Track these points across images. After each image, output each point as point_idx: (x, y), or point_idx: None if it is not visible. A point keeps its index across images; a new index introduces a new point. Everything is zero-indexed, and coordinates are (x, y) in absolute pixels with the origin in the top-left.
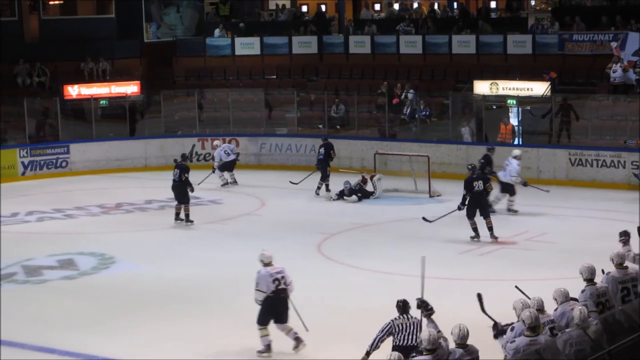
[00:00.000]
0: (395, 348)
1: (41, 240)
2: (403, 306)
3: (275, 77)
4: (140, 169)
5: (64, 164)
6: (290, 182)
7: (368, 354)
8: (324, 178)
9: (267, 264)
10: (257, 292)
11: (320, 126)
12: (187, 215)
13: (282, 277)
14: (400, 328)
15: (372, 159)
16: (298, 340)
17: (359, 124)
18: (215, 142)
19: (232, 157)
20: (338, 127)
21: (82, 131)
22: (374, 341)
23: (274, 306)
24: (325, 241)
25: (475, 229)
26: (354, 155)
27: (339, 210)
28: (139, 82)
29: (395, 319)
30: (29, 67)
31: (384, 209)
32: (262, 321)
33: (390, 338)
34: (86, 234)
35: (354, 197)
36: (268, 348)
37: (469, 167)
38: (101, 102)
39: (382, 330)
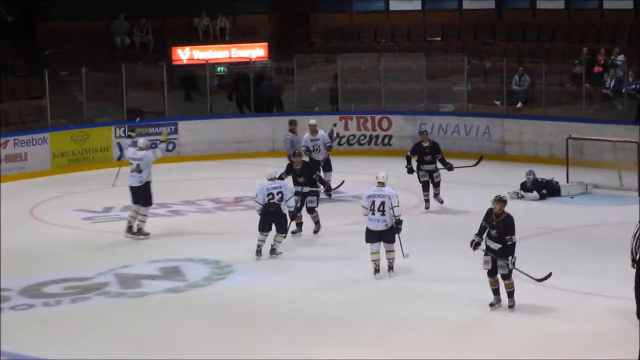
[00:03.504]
0: None
1: (140, 243)
2: None
3: (439, 39)
4: (267, 154)
5: (170, 146)
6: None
7: None
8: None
9: (270, 179)
10: (255, 203)
11: (497, 102)
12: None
13: (279, 192)
14: None
15: (563, 145)
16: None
17: (548, 99)
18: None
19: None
20: (520, 103)
21: (194, 106)
22: None
23: (267, 216)
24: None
25: None
26: (540, 141)
27: (518, 210)
28: (266, 44)
29: None
30: (129, 24)
31: (579, 209)
32: (260, 228)
33: None
34: (197, 235)
35: (534, 193)
36: (258, 252)
37: None
38: (218, 68)
39: None
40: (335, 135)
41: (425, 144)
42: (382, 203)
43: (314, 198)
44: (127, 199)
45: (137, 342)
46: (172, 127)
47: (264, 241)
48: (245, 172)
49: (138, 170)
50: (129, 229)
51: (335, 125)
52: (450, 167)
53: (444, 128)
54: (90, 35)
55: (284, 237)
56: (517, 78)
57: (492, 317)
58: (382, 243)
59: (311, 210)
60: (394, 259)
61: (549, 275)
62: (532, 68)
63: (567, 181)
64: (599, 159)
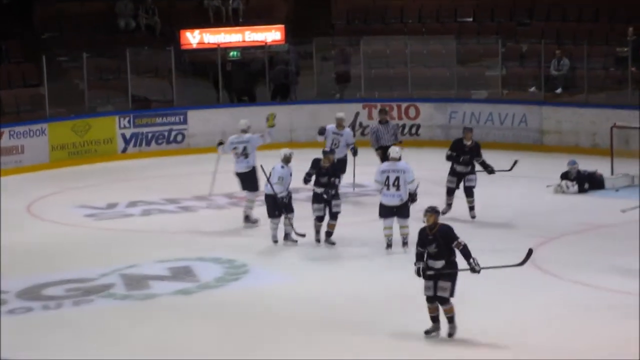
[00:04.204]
0: None
1: (147, 241)
2: None
3: (471, 19)
4: (284, 145)
5: (179, 137)
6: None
7: None
8: None
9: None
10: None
11: (533, 88)
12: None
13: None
14: None
15: (607, 134)
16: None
17: (590, 85)
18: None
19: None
20: (559, 89)
21: (205, 93)
22: None
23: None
24: (540, 247)
25: None
26: (581, 129)
27: (559, 205)
28: (282, 26)
29: None
30: (133, 5)
31: (624, 204)
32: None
33: None
34: (208, 233)
35: (575, 186)
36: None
37: None
38: (231, 53)
39: None
40: (358, 124)
41: (468, 143)
42: (397, 178)
43: (339, 202)
44: (132, 194)
45: (144, 348)
46: (181, 117)
47: (275, 229)
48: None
49: (245, 154)
50: (246, 219)
51: (357, 114)
52: (491, 171)
53: (476, 116)
54: (91, 18)
55: (292, 217)
56: (556, 62)
57: (538, 321)
58: (395, 218)
59: (334, 216)
60: (408, 234)
61: (529, 253)
62: (573, 50)
63: (612, 173)
64: None
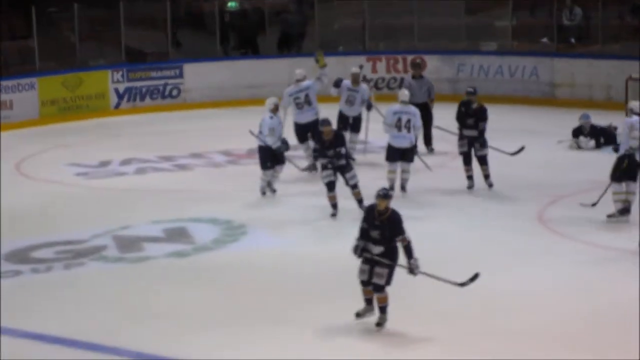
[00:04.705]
0: None
1: (141, 201)
2: None
3: None
4: None
5: (174, 92)
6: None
7: None
8: None
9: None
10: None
11: (545, 39)
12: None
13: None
14: None
15: (622, 87)
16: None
17: (604, 35)
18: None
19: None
20: (572, 40)
21: (201, 46)
22: None
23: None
24: (550, 207)
25: None
26: (595, 82)
27: (569, 161)
28: None
29: None
30: None
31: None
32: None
33: None
34: (205, 192)
35: (592, 141)
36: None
37: None
38: (229, 3)
39: None
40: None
41: (474, 105)
42: (409, 120)
43: (353, 172)
44: (125, 151)
45: (138, 312)
46: (177, 71)
47: (265, 181)
48: (259, 120)
49: (308, 102)
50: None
51: (361, 67)
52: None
53: (485, 69)
54: None
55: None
56: (568, 12)
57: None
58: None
59: (355, 186)
60: (408, 179)
61: (474, 277)
62: None
63: None
64: None
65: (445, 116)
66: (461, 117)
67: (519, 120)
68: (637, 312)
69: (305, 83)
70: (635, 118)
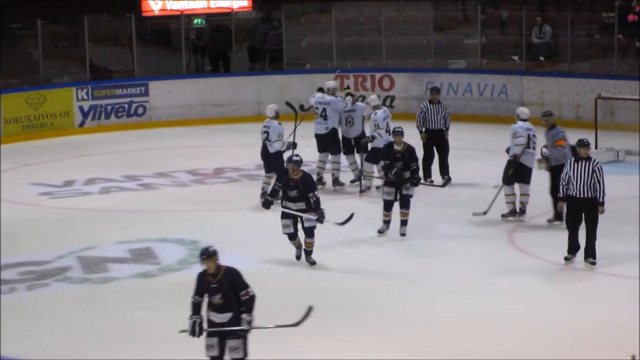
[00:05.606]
0: None
1: (106, 221)
2: None
3: None
4: (251, 119)
5: (140, 110)
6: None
7: None
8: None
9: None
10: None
11: (515, 57)
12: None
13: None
14: None
15: (591, 106)
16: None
17: (574, 54)
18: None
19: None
20: (541, 58)
21: (167, 64)
22: None
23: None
24: (518, 228)
25: None
26: (564, 101)
27: (538, 181)
28: None
29: None
30: None
31: (608, 180)
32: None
33: None
34: (171, 212)
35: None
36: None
37: None
38: (195, 20)
39: None
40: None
41: (398, 148)
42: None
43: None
44: (90, 171)
45: (102, 334)
46: (143, 89)
47: (267, 183)
48: (227, 139)
49: (324, 116)
50: (319, 180)
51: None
52: (416, 183)
53: (454, 87)
54: None
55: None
56: (538, 29)
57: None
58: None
59: (310, 233)
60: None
61: (308, 312)
62: (556, 17)
63: (596, 147)
64: (632, 121)
65: (411, 133)
66: (390, 162)
67: (488, 139)
68: (604, 332)
69: (329, 98)
70: (519, 124)
